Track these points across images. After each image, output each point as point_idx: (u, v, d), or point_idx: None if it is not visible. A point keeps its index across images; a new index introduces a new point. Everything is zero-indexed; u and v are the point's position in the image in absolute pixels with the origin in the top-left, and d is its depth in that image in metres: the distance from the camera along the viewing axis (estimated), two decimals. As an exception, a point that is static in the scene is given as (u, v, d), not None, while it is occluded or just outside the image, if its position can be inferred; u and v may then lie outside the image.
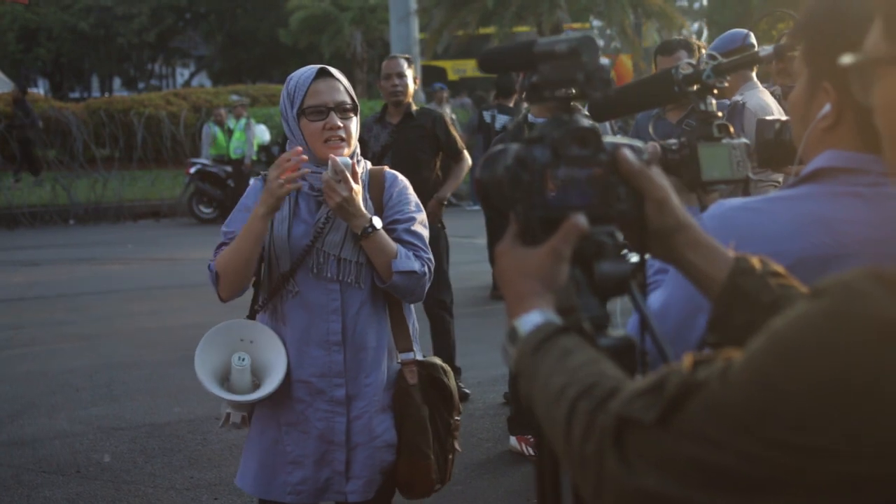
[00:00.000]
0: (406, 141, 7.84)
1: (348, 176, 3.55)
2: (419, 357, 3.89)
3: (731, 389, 1.11)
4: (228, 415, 3.84)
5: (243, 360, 3.73)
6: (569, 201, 1.49)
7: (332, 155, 3.60)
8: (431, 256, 3.80)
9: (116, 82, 55.88)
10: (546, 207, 1.49)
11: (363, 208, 3.61)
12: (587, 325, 1.46)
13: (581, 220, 1.46)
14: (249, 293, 3.90)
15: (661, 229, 1.56)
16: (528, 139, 1.52)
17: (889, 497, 1.03)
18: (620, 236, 1.54)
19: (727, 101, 5.72)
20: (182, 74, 59.45)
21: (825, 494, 1.05)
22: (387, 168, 3.91)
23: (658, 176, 1.56)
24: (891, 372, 1.01)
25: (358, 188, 3.58)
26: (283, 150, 3.95)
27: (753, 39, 5.77)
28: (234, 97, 23.47)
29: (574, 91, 1.54)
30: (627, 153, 1.53)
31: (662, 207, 1.55)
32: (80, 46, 47.13)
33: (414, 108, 8.01)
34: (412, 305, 3.95)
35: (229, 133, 20.99)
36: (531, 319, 1.45)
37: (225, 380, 3.75)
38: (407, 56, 8.21)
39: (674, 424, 1.14)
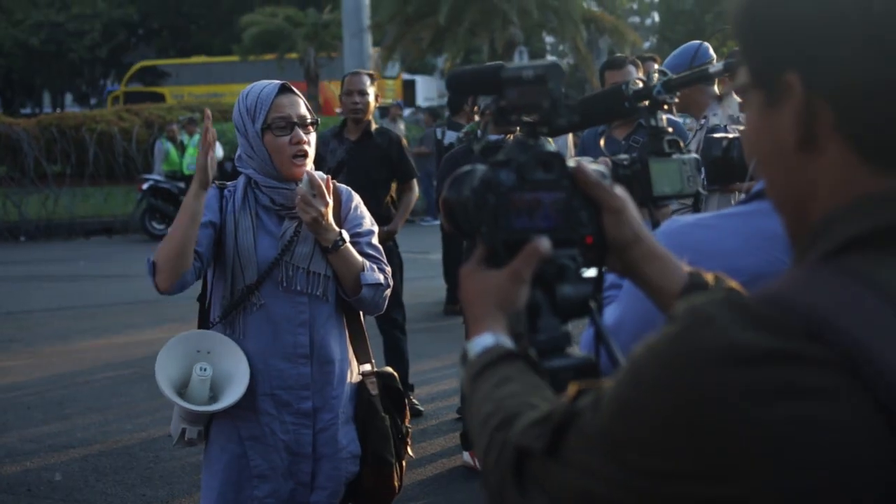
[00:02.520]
0: (362, 159, 7.77)
1: (325, 191, 3.58)
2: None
3: (598, 417, 1.14)
4: (184, 430, 3.81)
5: (205, 370, 3.70)
6: (533, 224, 1.51)
7: (307, 171, 3.64)
8: (390, 269, 3.85)
9: (68, 98, 55.46)
10: (510, 230, 1.50)
11: (333, 223, 3.63)
12: (532, 352, 1.47)
13: (543, 243, 1.48)
14: (195, 308, 3.89)
15: (617, 241, 1.58)
16: (493, 162, 1.54)
17: None
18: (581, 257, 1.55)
19: (685, 120, 5.77)
20: (135, 90, 59.09)
21: None
22: (336, 182, 3.93)
23: (615, 188, 1.58)
24: (730, 396, 1.03)
25: (331, 203, 3.60)
26: (234, 166, 3.95)
27: (709, 51, 5.81)
28: (183, 117, 23.35)
29: (539, 117, 1.56)
30: (585, 166, 1.56)
31: (619, 218, 1.57)
32: (32, 62, 46.78)
33: (374, 126, 7.95)
34: (363, 317, 3.97)
35: (182, 149, 20.91)
36: (482, 342, 1.48)
37: (182, 391, 3.73)
38: (371, 72, 8.12)
39: (559, 454, 1.17)
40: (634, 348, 1.15)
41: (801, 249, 1.22)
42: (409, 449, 3.99)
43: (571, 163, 1.56)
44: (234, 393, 3.67)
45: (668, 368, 1.08)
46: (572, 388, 1.24)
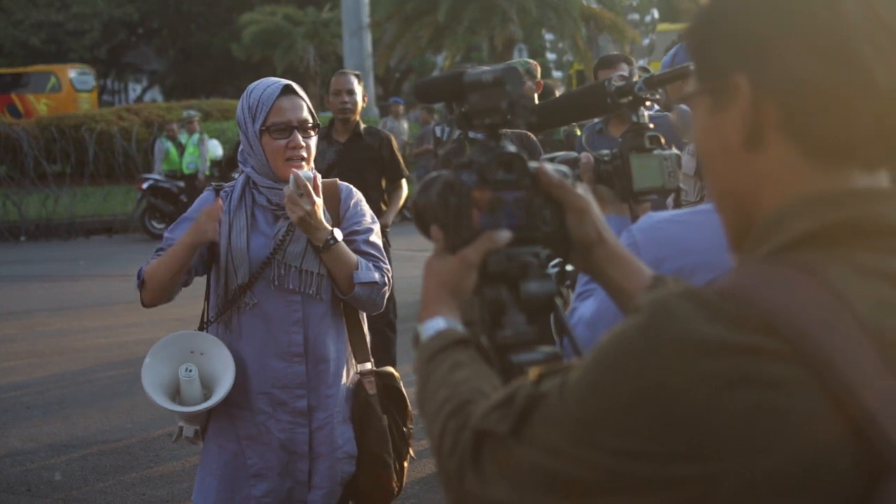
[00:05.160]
0: (353, 160, 7.68)
1: (311, 190, 3.56)
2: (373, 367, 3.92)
3: (566, 400, 1.19)
4: (181, 429, 3.84)
5: (190, 371, 3.72)
6: (495, 224, 1.54)
7: (293, 170, 3.61)
8: (389, 267, 3.83)
9: (68, 98, 55.46)
10: (472, 230, 1.54)
11: (324, 221, 3.62)
12: (484, 340, 1.51)
13: (500, 233, 1.52)
14: (199, 306, 3.90)
15: (582, 241, 1.61)
16: (456, 164, 1.58)
17: (703, 495, 1.12)
18: (545, 253, 1.58)
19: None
20: (134, 90, 59.13)
21: (651, 495, 1.13)
22: (338, 180, 3.93)
23: (578, 188, 1.61)
24: (693, 384, 1.10)
25: (319, 201, 3.59)
26: (232, 160, 3.98)
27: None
28: (192, 112, 23.27)
29: (499, 119, 1.60)
30: (547, 167, 1.58)
31: (583, 218, 1.60)
32: (32, 62, 46.75)
33: (362, 126, 7.89)
34: (364, 316, 3.96)
35: (181, 148, 20.91)
36: (434, 325, 1.53)
37: (176, 392, 3.74)
38: (357, 73, 8.07)
39: (523, 435, 1.22)
40: (602, 336, 1.20)
41: (750, 244, 1.26)
42: (410, 450, 3.97)
43: (533, 164, 1.59)
44: (217, 394, 3.69)
45: (635, 356, 1.14)
46: (534, 372, 1.29)
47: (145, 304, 3.81)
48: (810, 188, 1.22)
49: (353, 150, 7.77)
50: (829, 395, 1.09)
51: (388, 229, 7.84)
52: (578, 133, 8.65)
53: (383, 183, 7.99)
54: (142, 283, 3.75)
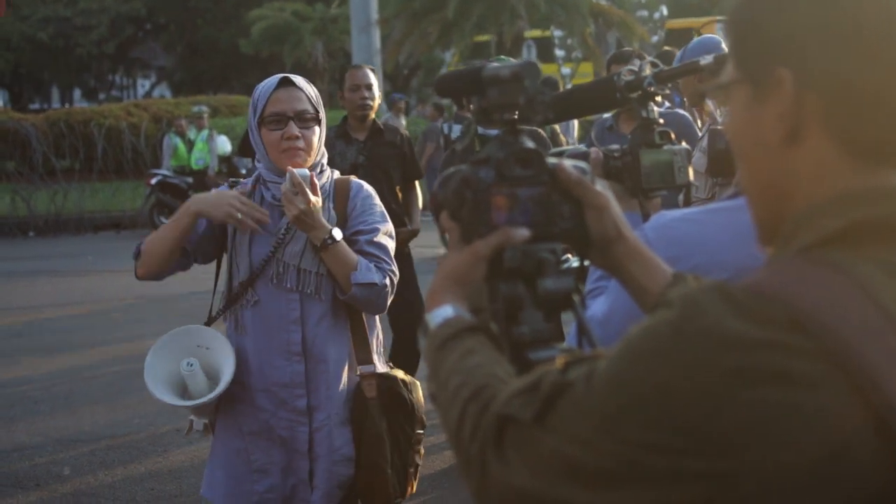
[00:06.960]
0: (379, 158, 7.31)
1: (306, 188, 3.52)
2: (381, 369, 3.86)
3: (593, 390, 1.19)
4: (192, 422, 3.88)
5: (191, 365, 3.72)
6: (512, 220, 1.53)
7: (290, 167, 3.59)
8: (395, 268, 3.77)
9: (76, 93, 55.50)
10: (489, 226, 1.53)
11: (323, 220, 3.59)
12: (493, 326, 1.51)
13: (517, 231, 1.51)
14: (207, 301, 3.90)
15: (601, 238, 1.60)
16: (474, 160, 1.57)
17: (724, 488, 1.12)
18: (561, 249, 1.58)
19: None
20: (143, 85, 59.17)
21: (670, 487, 1.13)
22: (353, 178, 3.90)
23: (598, 185, 1.60)
24: (722, 381, 1.10)
25: (317, 200, 3.55)
26: (240, 154, 3.97)
27: (715, 45, 5.78)
28: (202, 107, 23.20)
29: (517, 114, 1.59)
30: (566, 164, 1.57)
31: (602, 215, 1.59)
32: (40, 57, 46.74)
33: (380, 122, 7.53)
34: (377, 318, 3.94)
35: (190, 144, 20.91)
36: (442, 313, 1.53)
37: (185, 386, 3.75)
38: (371, 67, 7.70)
39: (547, 422, 1.22)
40: (630, 329, 1.21)
41: (781, 240, 1.27)
42: (418, 457, 3.90)
43: (552, 160, 1.58)
44: (216, 389, 3.70)
45: (664, 350, 1.14)
46: (560, 360, 1.28)
47: (139, 277, 3.80)
48: (844, 185, 1.22)
49: (378, 148, 7.37)
50: (854, 391, 1.09)
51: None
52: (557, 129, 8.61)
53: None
54: (137, 254, 3.76)
